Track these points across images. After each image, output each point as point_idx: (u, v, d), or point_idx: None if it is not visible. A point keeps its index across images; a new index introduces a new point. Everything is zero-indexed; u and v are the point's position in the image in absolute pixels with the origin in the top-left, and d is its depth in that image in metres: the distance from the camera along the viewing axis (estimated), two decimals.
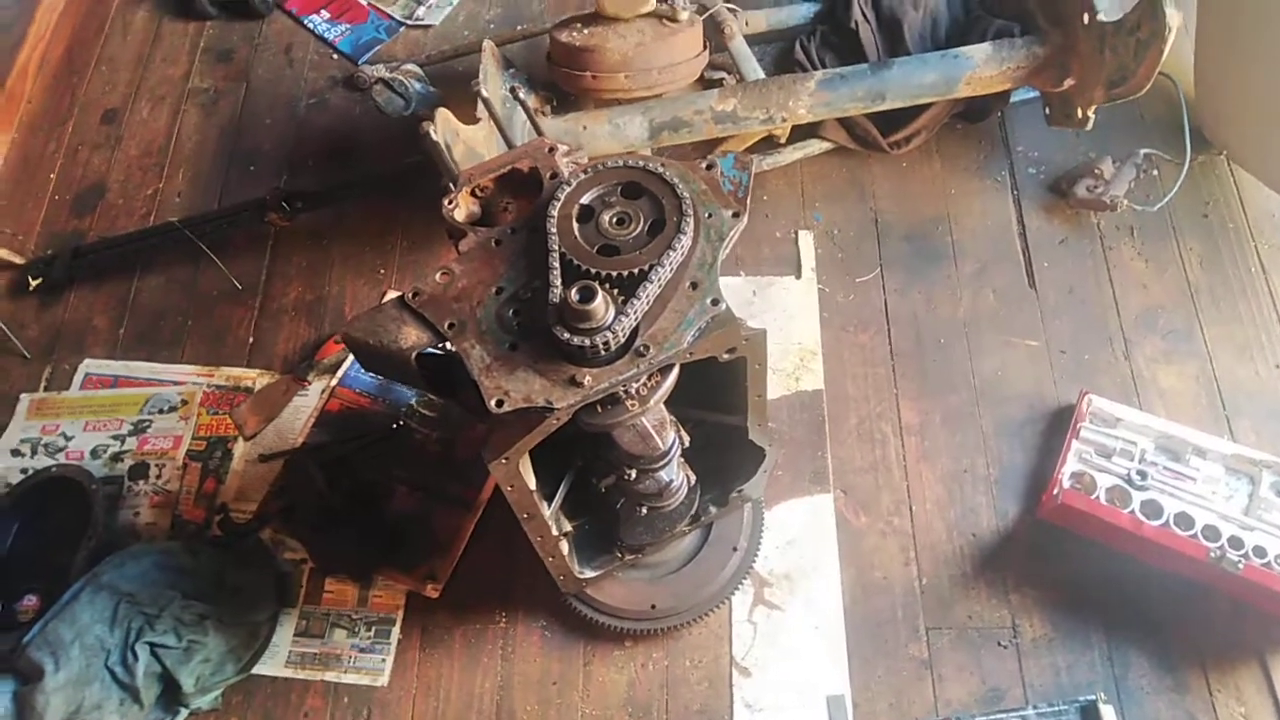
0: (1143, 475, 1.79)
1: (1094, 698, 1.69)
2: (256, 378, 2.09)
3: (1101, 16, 1.91)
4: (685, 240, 1.20)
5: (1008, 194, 2.24)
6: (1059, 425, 1.93)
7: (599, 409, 1.23)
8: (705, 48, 2.12)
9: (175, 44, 2.69)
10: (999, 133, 2.33)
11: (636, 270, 1.18)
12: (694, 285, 1.21)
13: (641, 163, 1.25)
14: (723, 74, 2.21)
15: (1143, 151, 2.20)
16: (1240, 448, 1.82)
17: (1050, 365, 2.02)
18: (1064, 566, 1.81)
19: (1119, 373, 2.01)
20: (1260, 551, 1.69)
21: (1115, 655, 1.74)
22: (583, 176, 1.26)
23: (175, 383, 2.10)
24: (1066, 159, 2.26)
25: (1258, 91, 2.06)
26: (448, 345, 1.23)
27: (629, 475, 1.43)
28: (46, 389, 2.12)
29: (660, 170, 1.24)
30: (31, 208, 2.42)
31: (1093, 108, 2.01)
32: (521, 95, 1.68)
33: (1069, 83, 2.03)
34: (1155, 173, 2.23)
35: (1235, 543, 1.69)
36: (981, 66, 2.03)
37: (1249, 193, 2.21)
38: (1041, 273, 2.13)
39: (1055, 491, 1.79)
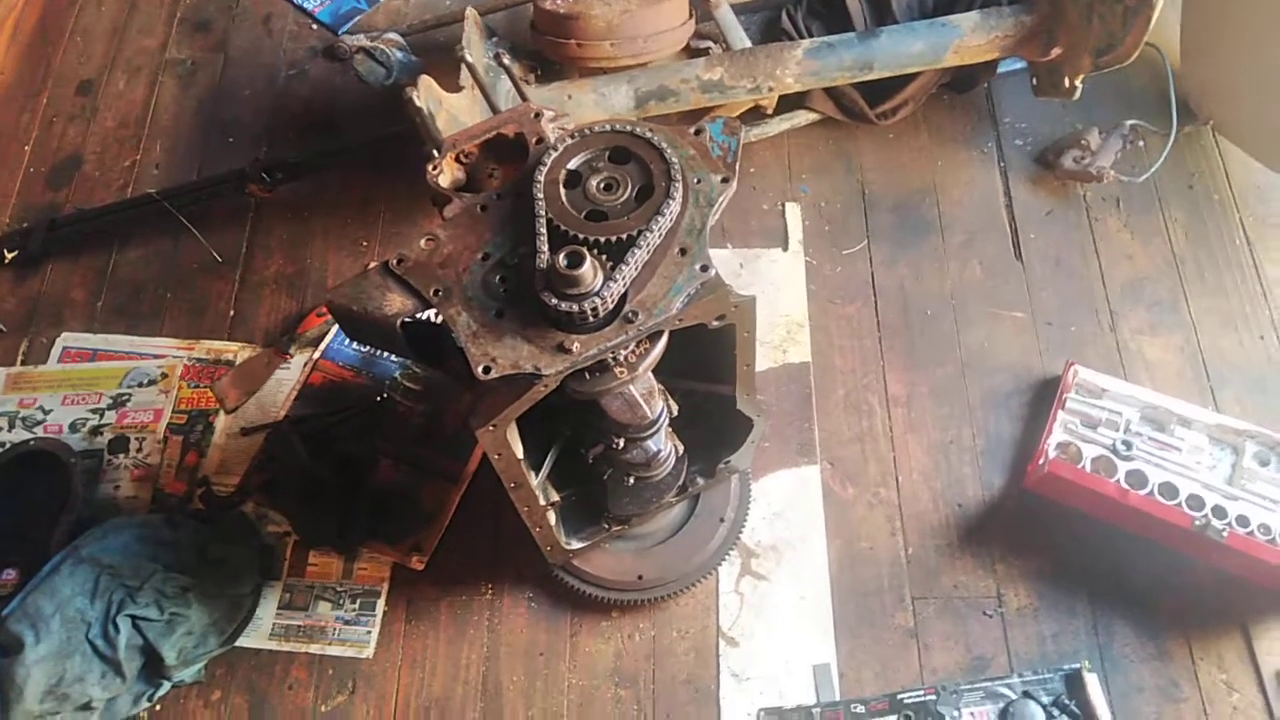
0: (1128, 445, 1.80)
1: (1078, 665, 1.70)
2: (238, 351, 2.07)
3: None
4: (674, 205, 1.18)
5: (994, 165, 2.24)
6: (1045, 396, 1.94)
7: (587, 376, 1.22)
8: (691, 16, 2.09)
9: (151, 14, 2.64)
10: (986, 104, 2.32)
11: (625, 236, 1.16)
12: (683, 251, 1.19)
13: (629, 127, 1.23)
14: (709, 43, 2.19)
15: (1129, 123, 2.20)
16: (1224, 418, 1.83)
17: (1036, 336, 2.02)
18: (1049, 536, 1.82)
19: (1105, 344, 2.01)
20: (1243, 520, 1.70)
21: (1100, 624, 1.75)
22: (569, 141, 1.24)
23: (155, 356, 2.07)
24: (1053, 130, 2.26)
25: (1244, 63, 2.06)
26: (433, 312, 1.22)
27: (617, 444, 1.42)
28: (23, 363, 2.09)
29: (648, 135, 1.22)
30: (6, 180, 2.37)
31: (1080, 77, 2.00)
32: (506, 61, 1.66)
33: (1056, 52, 2.03)
34: (1141, 144, 2.23)
35: (1219, 512, 1.71)
36: (969, 35, 2.02)
37: (1234, 164, 2.21)
38: (1028, 244, 2.13)
39: (1041, 462, 1.80)
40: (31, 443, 1.92)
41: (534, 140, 1.31)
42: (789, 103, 2.20)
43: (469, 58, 1.69)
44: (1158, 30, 1.87)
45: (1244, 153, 2.18)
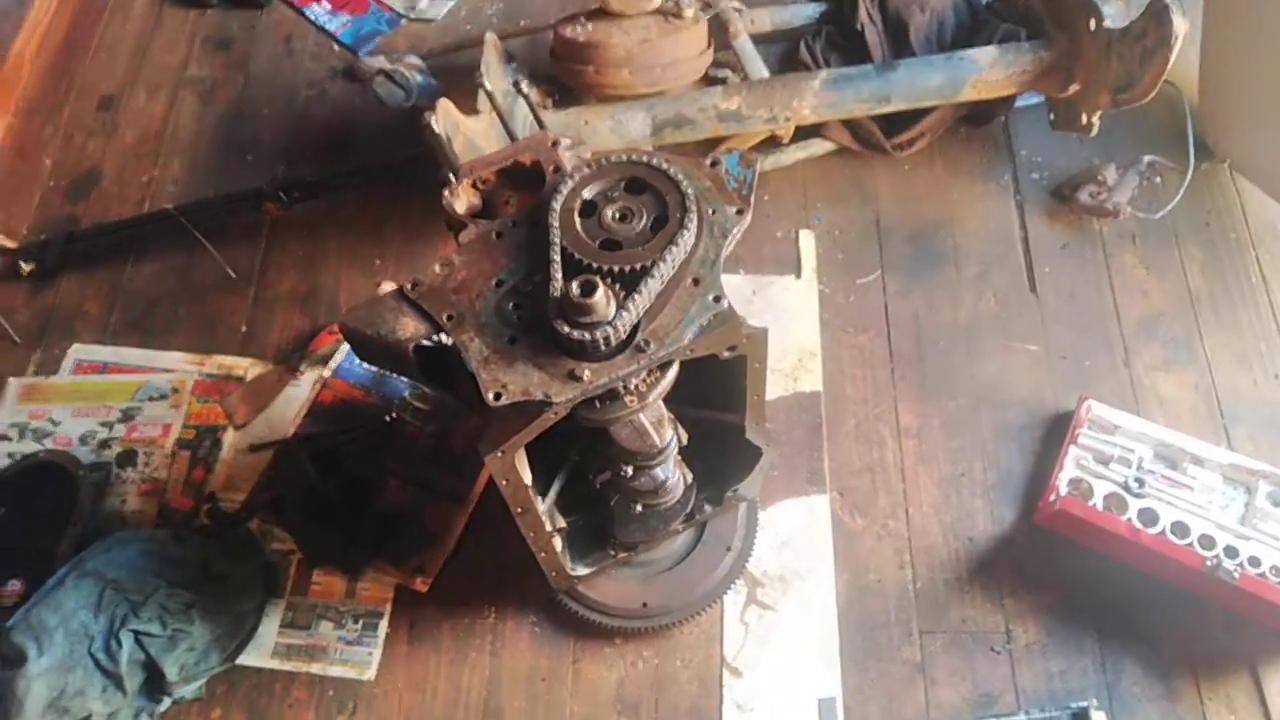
0: (1140, 483, 1.78)
1: (1086, 704, 1.68)
2: (249, 367, 2.08)
3: (1108, 23, 1.90)
4: (688, 236, 1.18)
5: (1010, 198, 2.24)
6: (1057, 431, 1.93)
7: (597, 404, 1.22)
8: (709, 46, 2.10)
9: (175, 31, 2.66)
10: (1003, 137, 2.32)
11: (638, 266, 1.16)
12: (696, 282, 1.19)
13: (646, 158, 1.24)
14: (727, 72, 2.20)
15: (1146, 159, 2.19)
16: (1237, 457, 1.81)
17: (1050, 370, 2.01)
18: (1059, 572, 1.81)
19: (1118, 379, 2.00)
20: (1255, 561, 1.68)
21: (1108, 662, 1.73)
22: (586, 171, 1.24)
23: (166, 370, 2.08)
24: (1070, 164, 2.26)
25: (1262, 101, 2.06)
26: (445, 337, 1.22)
27: (625, 472, 1.41)
28: (36, 374, 2.10)
29: (664, 166, 1.23)
30: (26, 192, 2.39)
31: (1097, 114, 2.00)
32: (524, 89, 1.67)
33: (1074, 88, 2.03)
34: (1158, 180, 2.23)
35: (1231, 552, 1.69)
36: (987, 70, 2.02)
37: (1251, 203, 2.20)
38: (1043, 278, 2.12)
39: (1052, 497, 1.79)
40: (41, 454, 1.93)
41: (551, 168, 1.31)
42: (805, 132, 2.21)
43: (488, 85, 1.70)
44: (1176, 68, 1.87)
45: (1261, 191, 2.18)
